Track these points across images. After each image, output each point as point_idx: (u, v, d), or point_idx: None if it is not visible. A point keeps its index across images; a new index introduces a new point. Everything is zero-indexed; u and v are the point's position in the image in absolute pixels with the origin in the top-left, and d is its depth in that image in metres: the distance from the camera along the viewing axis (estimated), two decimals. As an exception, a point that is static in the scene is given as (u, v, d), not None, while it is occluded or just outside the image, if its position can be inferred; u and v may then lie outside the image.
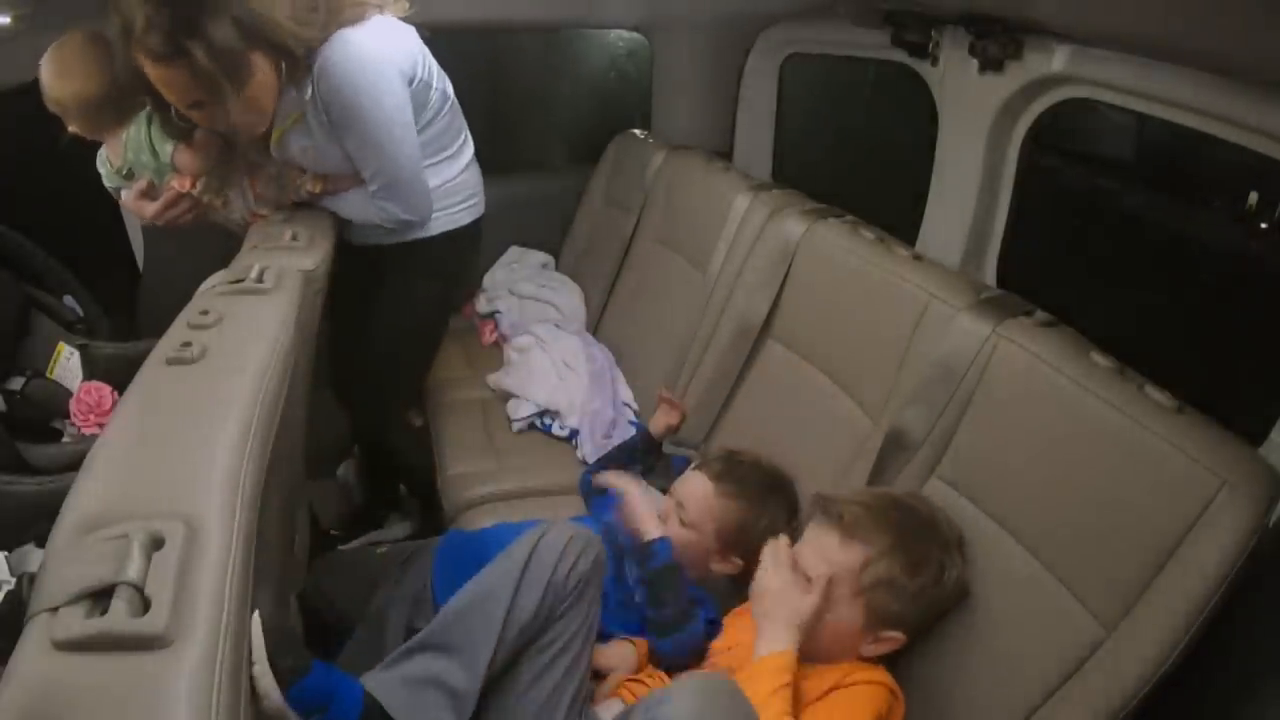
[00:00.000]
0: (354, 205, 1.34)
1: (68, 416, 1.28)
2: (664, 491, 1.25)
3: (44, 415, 1.27)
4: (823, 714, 0.88)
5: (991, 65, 1.23)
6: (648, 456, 1.42)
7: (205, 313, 0.90)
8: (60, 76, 1.21)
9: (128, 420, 0.73)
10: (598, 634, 1.08)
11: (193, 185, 1.31)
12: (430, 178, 1.37)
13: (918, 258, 1.22)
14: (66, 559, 0.56)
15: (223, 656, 0.53)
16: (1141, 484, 0.82)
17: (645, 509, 1.14)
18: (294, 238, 1.22)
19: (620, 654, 1.06)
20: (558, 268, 2.17)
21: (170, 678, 0.50)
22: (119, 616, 0.51)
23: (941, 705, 0.95)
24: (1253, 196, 1.32)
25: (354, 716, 0.83)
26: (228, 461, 0.67)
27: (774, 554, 0.95)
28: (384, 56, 1.21)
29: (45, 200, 1.65)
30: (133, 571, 0.53)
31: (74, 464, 0.68)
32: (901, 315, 1.13)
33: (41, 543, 0.62)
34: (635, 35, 2.13)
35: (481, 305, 2.08)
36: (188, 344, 0.83)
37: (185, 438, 0.70)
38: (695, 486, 1.17)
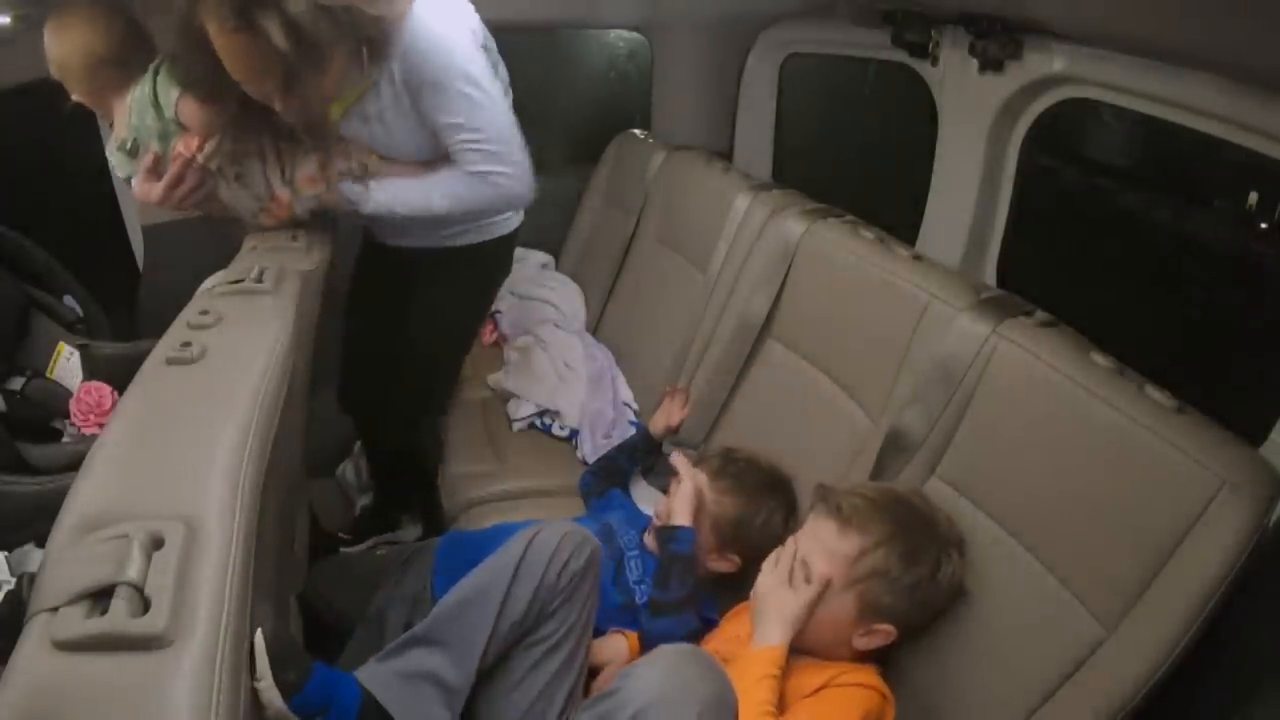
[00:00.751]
0: (412, 193, 1.24)
1: (68, 416, 1.28)
2: (664, 491, 1.25)
3: (44, 415, 1.27)
4: (810, 710, 0.88)
5: (991, 65, 1.23)
6: (648, 456, 1.42)
7: (205, 313, 0.90)
8: (60, 33, 1.16)
9: (128, 420, 0.73)
10: (595, 633, 1.08)
11: (200, 147, 1.16)
12: None
13: (918, 258, 1.22)
14: (66, 559, 0.56)
15: (223, 656, 0.53)
16: (1141, 484, 0.82)
17: (686, 502, 1.14)
18: (294, 238, 1.22)
19: (614, 647, 1.06)
20: (558, 268, 2.17)
21: (170, 678, 0.50)
22: (119, 616, 0.51)
23: (941, 705, 0.95)
24: (1253, 196, 1.32)
25: (353, 715, 0.83)
26: (228, 461, 0.67)
27: (774, 556, 0.98)
28: (464, 24, 1.18)
29: (45, 200, 1.65)
30: (133, 571, 0.53)
31: (74, 464, 0.68)
32: (901, 315, 1.13)
33: (41, 543, 0.62)
34: (635, 35, 2.13)
35: (481, 305, 2.08)
36: (188, 344, 0.83)
37: (185, 438, 0.70)
38: (696, 482, 1.18)
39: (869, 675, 0.93)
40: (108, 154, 1.27)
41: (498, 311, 2.03)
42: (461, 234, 1.39)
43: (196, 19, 0.99)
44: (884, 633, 0.93)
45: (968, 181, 1.33)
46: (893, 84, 1.63)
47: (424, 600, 1.13)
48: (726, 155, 1.96)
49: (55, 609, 0.52)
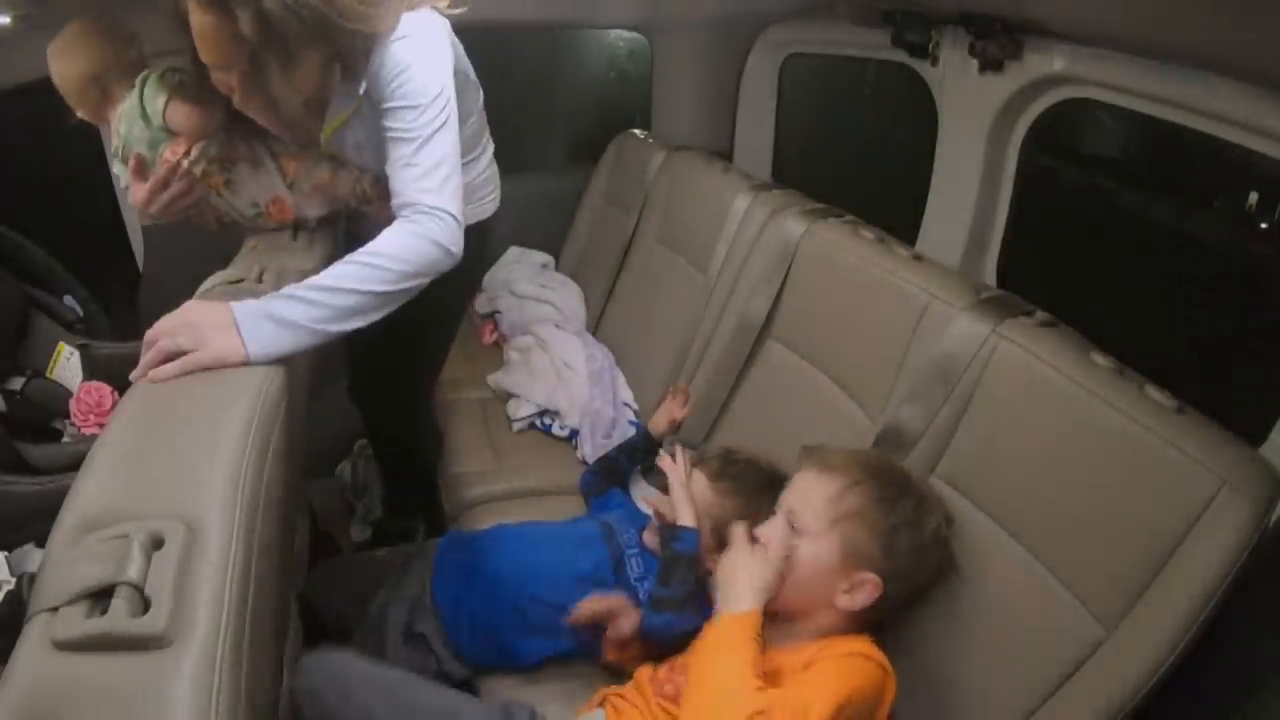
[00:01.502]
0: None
1: (68, 416, 1.28)
2: (664, 490, 1.25)
3: (44, 415, 1.27)
4: (798, 686, 0.82)
5: (991, 65, 1.23)
6: (648, 456, 1.42)
7: (205, 313, 0.90)
8: (57, 57, 1.18)
9: (128, 420, 0.73)
10: (595, 629, 1.09)
11: (186, 153, 1.13)
12: (465, 173, 1.29)
13: (918, 258, 1.22)
14: (66, 559, 0.56)
15: (222, 656, 0.53)
16: (1141, 484, 0.82)
17: (687, 503, 1.14)
18: (294, 237, 1.22)
19: (609, 603, 1.07)
20: (558, 268, 2.17)
21: (169, 678, 0.50)
22: (119, 616, 0.51)
23: (941, 705, 0.95)
24: (1253, 196, 1.32)
25: None
26: (228, 461, 0.67)
27: (734, 532, 0.95)
28: (442, 46, 1.15)
29: (45, 200, 1.65)
30: (132, 571, 0.53)
31: (74, 464, 0.68)
32: (901, 315, 1.13)
33: (41, 543, 0.62)
34: (635, 35, 2.13)
35: (481, 305, 2.08)
36: (188, 344, 0.82)
37: (185, 438, 0.70)
38: (693, 484, 1.18)
39: (863, 644, 0.88)
40: (111, 165, 1.28)
41: (498, 311, 2.03)
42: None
43: (182, 1, 0.99)
44: (868, 585, 0.88)
45: (968, 181, 1.33)
46: (893, 84, 1.63)
47: (424, 602, 1.13)
48: (726, 155, 1.96)
49: (55, 609, 0.52)
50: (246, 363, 0.85)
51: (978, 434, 1.00)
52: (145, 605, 0.53)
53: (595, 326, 1.95)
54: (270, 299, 0.91)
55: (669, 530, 1.11)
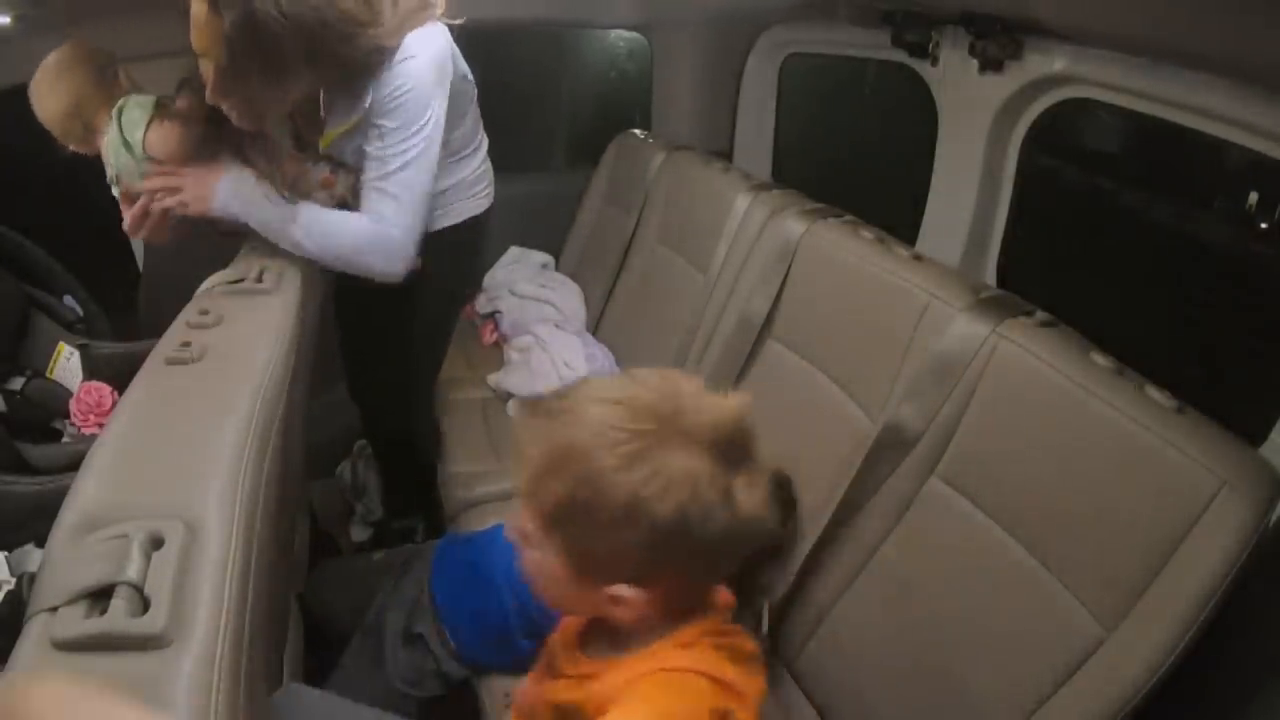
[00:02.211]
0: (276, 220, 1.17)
1: (68, 416, 1.28)
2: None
3: (44, 415, 1.27)
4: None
5: (991, 65, 1.23)
6: None
7: (205, 313, 0.90)
8: (34, 96, 1.21)
9: (128, 420, 0.73)
10: None
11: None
12: (461, 169, 1.37)
13: (918, 258, 1.22)
14: (66, 559, 0.56)
15: (222, 656, 0.53)
16: (1141, 484, 0.82)
17: None
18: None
19: None
20: (558, 268, 2.17)
21: (169, 678, 0.50)
22: (118, 616, 0.51)
23: (940, 705, 0.95)
24: (1253, 196, 1.32)
25: None
26: (228, 461, 0.67)
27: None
28: (443, 72, 1.17)
29: (45, 200, 1.65)
30: (132, 571, 0.54)
31: (74, 464, 0.68)
32: (901, 315, 1.13)
33: (41, 543, 0.62)
34: (635, 35, 2.13)
35: (481, 305, 2.08)
36: (188, 344, 0.83)
37: (185, 438, 0.70)
38: None
39: (699, 654, 0.65)
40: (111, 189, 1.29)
41: (498, 311, 2.03)
42: (438, 219, 1.39)
43: None
44: (626, 600, 0.64)
45: (968, 181, 1.33)
46: (893, 84, 1.63)
47: (423, 604, 1.13)
48: (726, 155, 1.96)
49: (55, 609, 0.53)
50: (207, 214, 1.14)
51: (978, 434, 1.00)
52: (145, 605, 0.53)
53: (595, 326, 1.95)
54: (254, 199, 1.15)
55: None
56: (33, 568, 0.80)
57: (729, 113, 1.98)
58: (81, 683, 0.44)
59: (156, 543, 0.57)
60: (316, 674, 1.12)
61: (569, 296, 2.00)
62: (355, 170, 1.25)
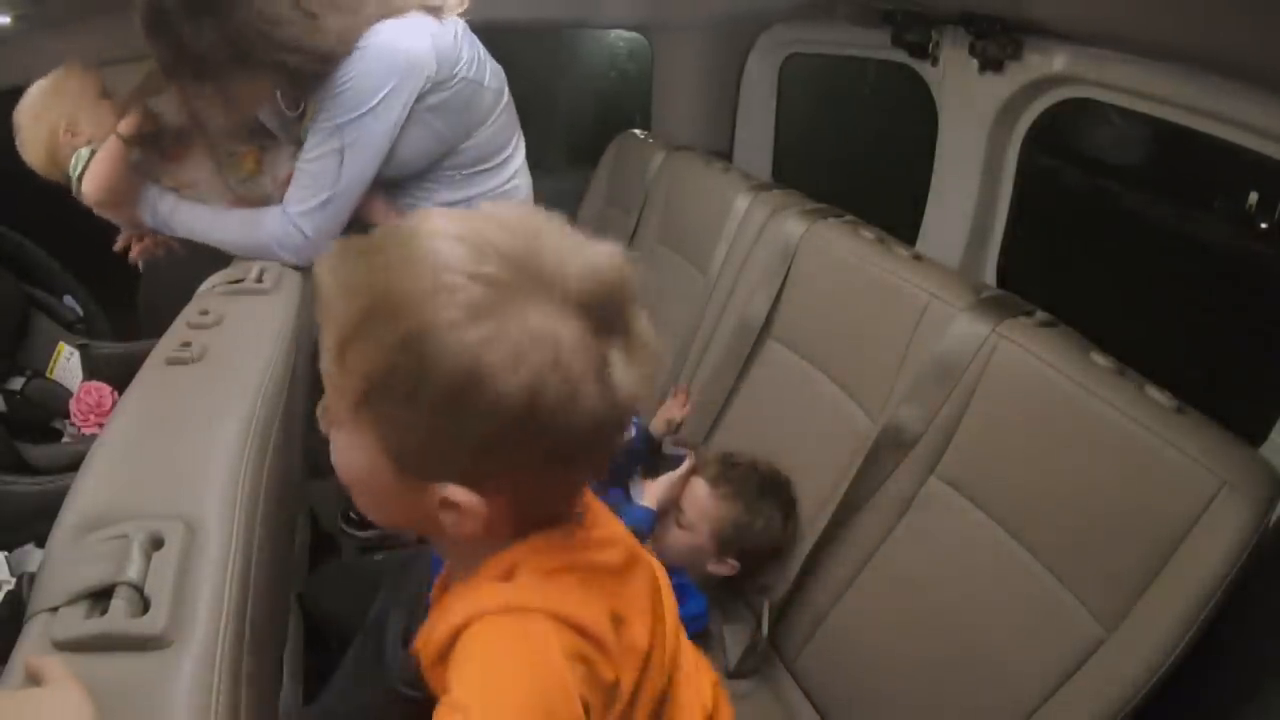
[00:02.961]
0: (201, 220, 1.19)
1: (68, 416, 1.28)
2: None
3: (44, 415, 1.27)
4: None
5: (991, 65, 1.23)
6: (648, 456, 1.42)
7: (205, 313, 0.90)
8: (21, 147, 1.24)
9: (128, 420, 0.73)
10: None
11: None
12: (484, 181, 1.31)
13: (918, 258, 1.22)
14: (66, 559, 0.56)
15: (222, 657, 0.53)
16: (1141, 484, 0.82)
17: (655, 489, 1.17)
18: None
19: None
20: (558, 268, 2.17)
21: (169, 678, 0.50)
22: (118, 617, 0.51)
23: (940, 705, 0.95)
24: (1253, 196, 1.32)
25: None
26: (228, 461, 0.67)
27: None
28: (394, 66, 1.11)
29: (45, 200, 1.65)
30: (132, 571, 0.54)
31: (74, 464, 0.68)
32: (901, 315, 1.13)
33: (41, 543, 0.62)
34: (635, 35, 2.13)
35: (481, 305, 2.08)
36: (188, 344, 0.83)
37: (185, 438, 0.70)
38: (692, 490, 1.18)
39: (531, 590, 0.51)
40: None
41: (498, 311, 2.02)
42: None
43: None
44: (463, 507, 0.49)
45: (968, 181, 1.33)
46: (893, 84, 1.63)
47: (423, 605, 1.13)
48: (726, 155, 1.95)
49: (55, 609, 0.52)
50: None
51: (978, 434, 1.00)
52: (145, 605, 0.53)
53: (595, 326, 1.95)
54: (171, 211, 1.18)
55: (617, 509, 1.13)
56: (33, 568, 0.80)
57: (729, 113, 1.98)
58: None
59: (156, 543, 0.57)
60: (316, 674, 1.12)
61: (569, 296, 1.99)
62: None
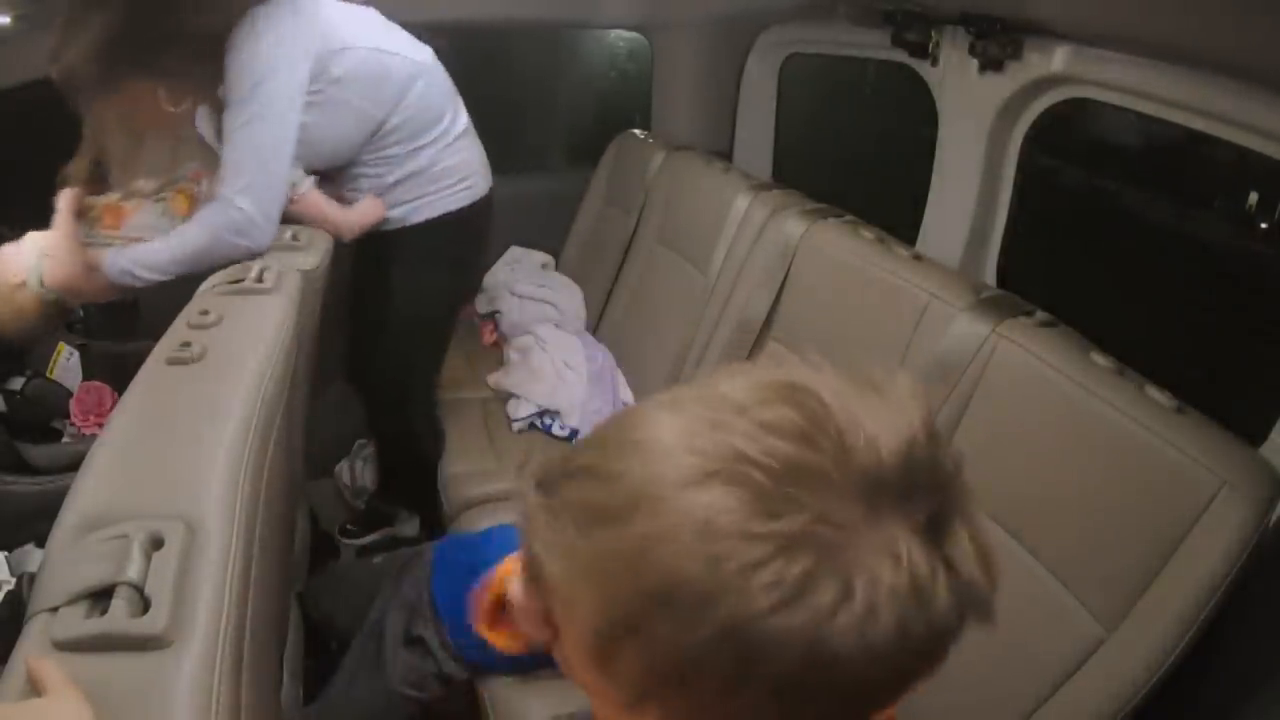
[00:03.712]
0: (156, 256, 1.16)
1: (68, 416, 1.28)
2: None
3: (44, 415, 1.27)
4: None
5: (991, 65, 1.23)
6: None
7: (205, 313, 0.90)
8: None
9: (128, 420, 0.73)
10: None
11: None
12: (416, 160, 1.34)
13: (918, 258, 1.22)
14: (66, 559, 0.56)
15: (222, 657, 0.53)
16: (1142, 484, 0.82)
17: None
18: (294, 237, 1.22)
19: None
20: (558, 268, 2.17)
21: (169, 678, 0.50)
22: (119, 617, 0.51)
23: (940, 706, 0.95)
24: (1253, 196, 1.32)
25: None
26: (228, 461, 0.67)
27: None
28: (279, 34, 1.13)
29: (45, 200, 1.65)
30: (133, 571, 0.53)
31: (74, 464, 0.68)
32: (901, 315, 1.13)
33: (41, 543, 0.62)
34: (635, 35, 2.13)
35: (481, 305, 2.08)
36: (188, 344, 0.83)
37: (185, 438, 0.70)
38: None
39: None
40: None
41: (498, 311, 2.03)
42: (414, 211, 1.40)
43: None
44: None
45: (968, 181, 1.33)
46: (893, 84, 1.63)
47: (423, 606, 1.13)
48: (726, 155, 1.96)
49: (55, 609, 0.52)
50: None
51: (978, 434, 1.00)
52: (145, 605, 0.53)
53: (595, 327, 1.95)
54: (123, 270, 1.13)
55: None
56: (33, 568, 0.80)
57: (729, 113, 1.98)
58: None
59: (157, 543, 0.57)
60: (316, 674, 1.12)
61: (569, 297, 2.00)
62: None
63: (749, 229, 1.51)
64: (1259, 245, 1.34)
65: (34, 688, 0.48)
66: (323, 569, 1.42)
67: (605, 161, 2.10)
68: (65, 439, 1.26)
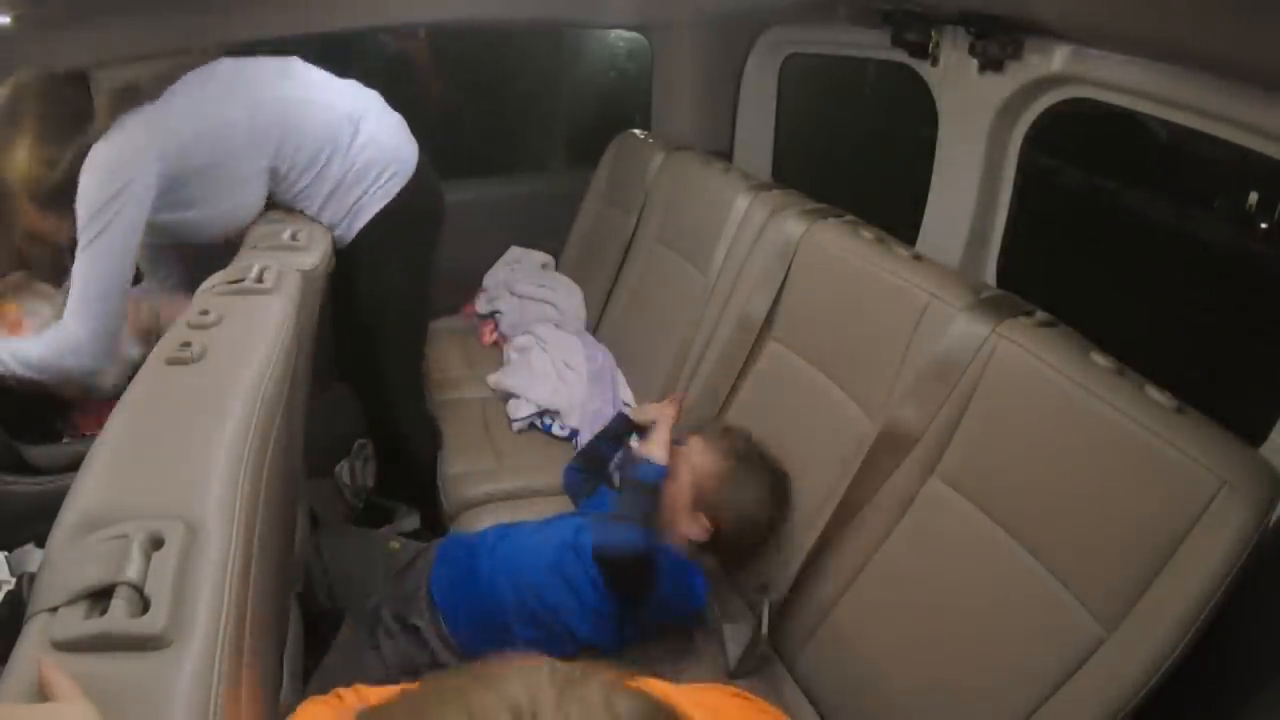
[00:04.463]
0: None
1: (68, 416, 1.28)
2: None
3: (44, 415, 1.27)
4: None
5: (991, 65, 1.23)
6: (620, 444, 1.40)
7: (205, 313, 0.90)
8: None
9: (128, 420, 0.73)
10: (571, 641, 1.08)
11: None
12: (325, 182, 1.39)
13: (918, 258, 1.22)
14: (66, 559, 0.56)
15: (222, 656, 0.53)
16: (1141, 484, 0.82)
17: (664, 439, 1.19)
18: (294, 237, 1.22)
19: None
20: (558, 268, 2.17)
21: (169, 678, 0.50)
22: (118, 617, 0.51)
23: (941, 705, 0.95)
24: (1253, 196, 1.32)
25: None
26: (228, 461, 0.67)
27: None
28: (118, 149, 1.19)
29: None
30: (132, 571, 0.54)
31: (74, 464, 0.68)
32: (901, 315, 1.13)
33: (41, 543, 0.62)
34: (635, 35, 2.13)
35: (481, 305, 2.08)
36: (188, 344, 0.83)
37: (185, 438, 0.70)
38: (690, 447, 1.21)
39: None
40: None
41: (498, 311, 2.03)
42: (355, 219, 1.43)
43: None
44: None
45: (968, 181, 1.33)
46: (893, 84, 1.63)
47: (420, 599, 1.13)
48: (726, 155, 1.96)
49: (55, 609, 0.52)
50: None
51: (977, 434, 1.00)
52: (145, 605, 0.53)
53: (595, 326, 1.95)
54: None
55: (633, 459, 1.13)
56: (33, 568, 0.80)
57: (729, 113, 1.98)
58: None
59: (156, 543, 0.57)
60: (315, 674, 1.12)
61: (569, 296, 2.00)
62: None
63: (749, 229, 1.51)
64: (1259, 245, 1.34)
65: (43, 690, 0.48)
66: (341, 530, 1.43)
67: (605, 161, 2.10)
68: (65, 439, 1.26)
